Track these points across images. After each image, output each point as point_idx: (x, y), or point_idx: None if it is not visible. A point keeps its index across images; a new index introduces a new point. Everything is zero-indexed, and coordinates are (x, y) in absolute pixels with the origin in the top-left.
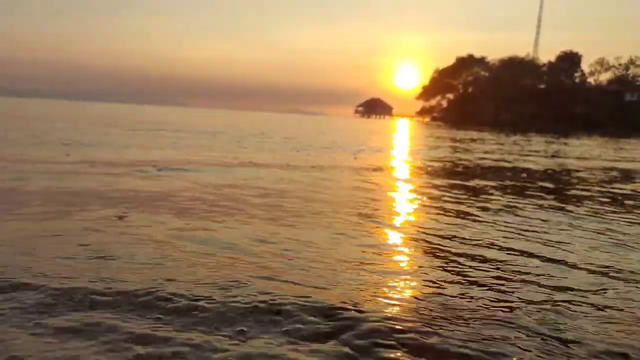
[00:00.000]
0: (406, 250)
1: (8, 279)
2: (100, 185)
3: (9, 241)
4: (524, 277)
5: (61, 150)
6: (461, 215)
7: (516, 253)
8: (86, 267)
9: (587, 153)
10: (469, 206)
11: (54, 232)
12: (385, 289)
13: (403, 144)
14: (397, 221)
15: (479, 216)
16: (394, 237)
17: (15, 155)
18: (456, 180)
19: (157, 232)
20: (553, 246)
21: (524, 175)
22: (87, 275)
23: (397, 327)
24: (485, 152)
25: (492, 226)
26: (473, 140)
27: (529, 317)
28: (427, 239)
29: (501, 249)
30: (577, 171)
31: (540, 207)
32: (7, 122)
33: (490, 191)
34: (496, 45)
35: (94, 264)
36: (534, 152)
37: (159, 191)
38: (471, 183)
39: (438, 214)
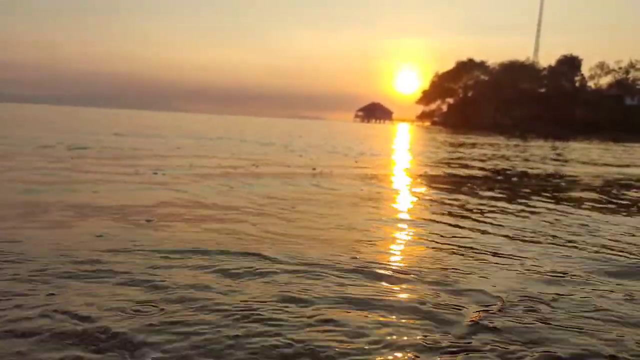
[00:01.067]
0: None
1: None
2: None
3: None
4: None
5: (68, 155)
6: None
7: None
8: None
9: (591, 157)
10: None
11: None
12: None
13: (405, 148)
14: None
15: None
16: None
17: (33, 161)
18: (458, 186)
19: None
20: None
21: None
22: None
23: None
24: (486, 156)
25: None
26: (473, 144)
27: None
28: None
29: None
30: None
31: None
32: (7, 129)
33: (493, 196)
34: (496, 49)
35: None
36: (535, 155)
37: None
38: (480, 190)
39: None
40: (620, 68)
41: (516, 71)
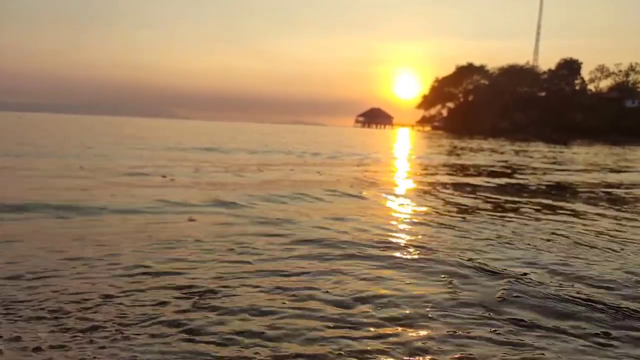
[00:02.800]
0: None
1: None
2: None
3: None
4: None
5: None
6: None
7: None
8: None
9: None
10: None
11: None
12: None
13: (411, 152)
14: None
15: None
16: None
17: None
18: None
19: None
20: None
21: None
22: None
23: None
24: (493, 162)
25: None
26: (475, 149)
27: None
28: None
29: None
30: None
31: None
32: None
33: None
34: (496, 53)
35: None
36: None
37: None
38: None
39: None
40: (620, 71)
41: (516, 75)
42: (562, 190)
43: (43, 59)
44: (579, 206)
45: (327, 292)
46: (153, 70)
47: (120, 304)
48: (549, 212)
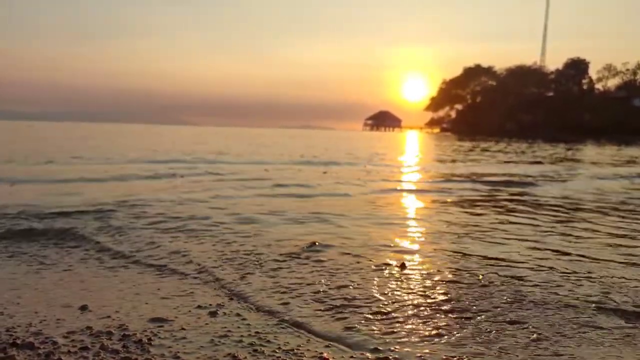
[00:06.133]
0: None
1: None
2: None
3: None
4: None
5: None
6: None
7: None
8: None
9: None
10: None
11: None
12: None
13: (425, 155)
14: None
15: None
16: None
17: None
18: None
19: None
20: None
21: None
22: None
23: None
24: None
25: None
26: (490, 150)
27: None
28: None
29: None
30: None
31: None
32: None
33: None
34: (502, 55)
35: None
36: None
37: None
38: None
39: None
40: (627, 70)
41: (523, 75)
42: None
43: (47, 67)
44: None
45: None
46: (157, 78)
47: None
48: None
